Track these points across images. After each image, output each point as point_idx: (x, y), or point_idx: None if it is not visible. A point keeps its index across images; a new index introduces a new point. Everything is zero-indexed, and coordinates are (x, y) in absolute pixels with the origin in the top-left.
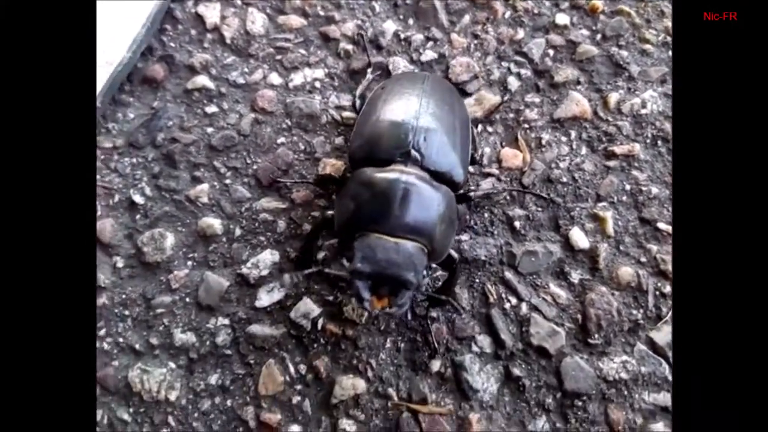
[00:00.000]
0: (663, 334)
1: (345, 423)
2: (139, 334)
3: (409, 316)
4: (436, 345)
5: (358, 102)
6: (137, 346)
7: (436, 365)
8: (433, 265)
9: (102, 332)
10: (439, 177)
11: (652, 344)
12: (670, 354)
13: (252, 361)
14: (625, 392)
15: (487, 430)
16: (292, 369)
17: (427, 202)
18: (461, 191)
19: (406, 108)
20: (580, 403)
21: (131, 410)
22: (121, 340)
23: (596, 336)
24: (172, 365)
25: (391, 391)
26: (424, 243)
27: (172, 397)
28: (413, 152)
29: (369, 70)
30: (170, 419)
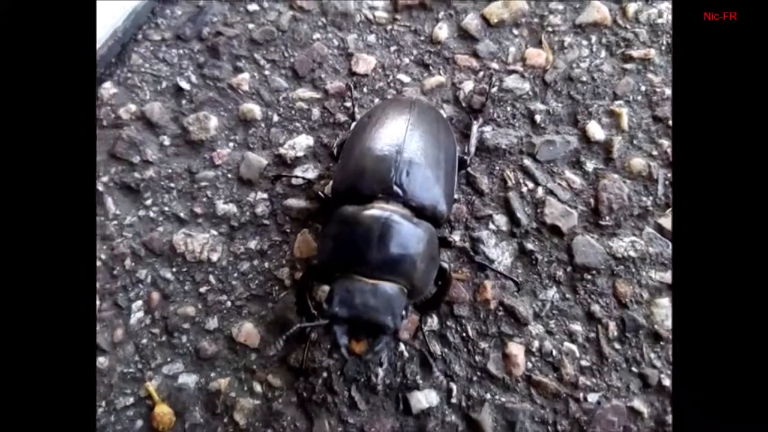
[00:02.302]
0: (671, 220)
1: None
2: (184, 204)
3: (385, 362)
4: (432, 357)
5: (336, 150)
6: (181, 215)
7: (455, 239)
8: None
9: (148, 202)
10: (421, 212)
11: (660, 228)
12: None
13: (288, 230)
14: (633, 269)
15: (500, 296)
16: None
17: (407, 241)
18: (444, 235)
19: (390, 141)
20: (589, 277)
21: (174, 270)
22: (166, 209)
23: (607, 218)
24: (214, 232)
25: None
26: (404, 283)
27: (214, 258)
28: (395, 188)
29: (353, 124)
30: (211, 278)
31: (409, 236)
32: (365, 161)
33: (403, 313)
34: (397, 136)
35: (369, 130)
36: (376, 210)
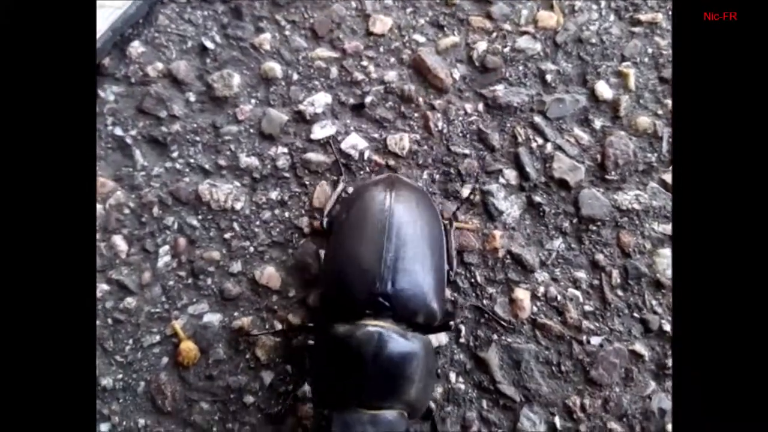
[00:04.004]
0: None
1: None
2: (208, 157)
3: None
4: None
5: (325, 221)
6: (206, 167)
7: (466, 192)
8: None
9: (175, 154)
10: (413, 321)
11: (663, 184)
12: None
13: (307, 182)
14: (637, 221)
15: (508, 245)
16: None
17: (403, 363)
18: (439, 322)
19: (371, 247)
20: (594, 228)
21: (199, 217)
22: (192, 161)
23: (613, 173)
24: (237, 183)
25: None
26: (403, 407)
27: (237, 206)
28: (382, 301)
29: (341, 179)
30: (235, 225)
31: (404, 357)
32: (348, 272)
33: None
34: (378, 239)
35: (348, 231)
36: (366, 330)
